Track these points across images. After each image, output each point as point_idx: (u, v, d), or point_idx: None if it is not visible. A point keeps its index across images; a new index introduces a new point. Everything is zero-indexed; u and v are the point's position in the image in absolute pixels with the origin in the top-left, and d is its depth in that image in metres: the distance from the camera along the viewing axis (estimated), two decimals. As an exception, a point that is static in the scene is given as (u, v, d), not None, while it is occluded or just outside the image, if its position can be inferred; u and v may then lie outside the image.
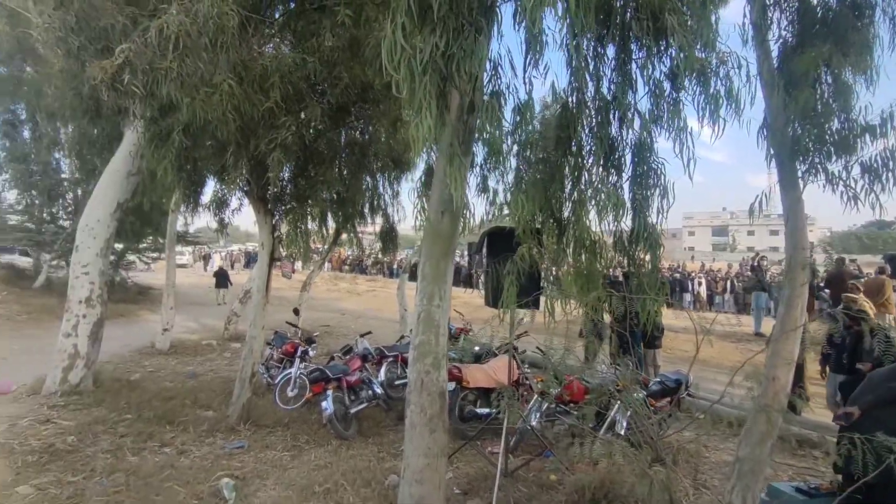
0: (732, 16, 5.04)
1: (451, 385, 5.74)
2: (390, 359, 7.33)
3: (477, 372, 5.95)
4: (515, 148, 4.13)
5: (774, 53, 4.46)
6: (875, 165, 3.86)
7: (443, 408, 3.53)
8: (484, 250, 4.73)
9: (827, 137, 4.02)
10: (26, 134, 17.21)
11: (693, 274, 19.82)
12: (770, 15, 4.54)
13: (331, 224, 8.60)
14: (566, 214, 4.03)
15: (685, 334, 11.18)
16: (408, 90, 2.79)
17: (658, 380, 5.73)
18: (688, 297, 18.09)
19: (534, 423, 5.25)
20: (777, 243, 43.68)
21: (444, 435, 3.60)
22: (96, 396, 6.78)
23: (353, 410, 6.14)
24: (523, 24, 3.16)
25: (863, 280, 10.20)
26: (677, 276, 18.96)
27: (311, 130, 5.18)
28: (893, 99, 3.70)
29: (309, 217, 6.94)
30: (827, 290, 9.78)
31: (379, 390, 6.58)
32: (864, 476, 2.82)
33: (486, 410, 5.75)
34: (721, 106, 3.56)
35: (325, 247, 11.84)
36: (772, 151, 4.11)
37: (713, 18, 4.91)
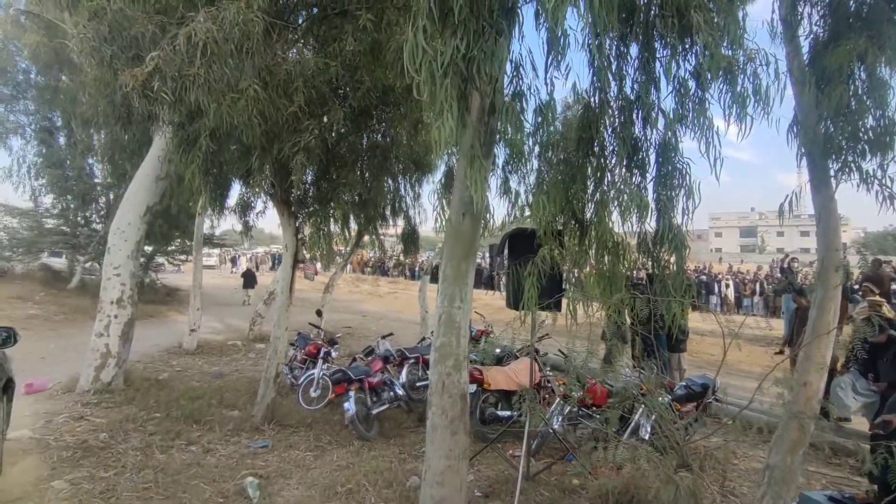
0: (760, 12, 4.88)
1: (473, 387, 5.72)
2: (412, 360, 7.35)
3: (498, 374, 5.93)
4: (537, 149, 4.13)
5: (805, 49, 4.36)
6: (914, 163, 3.74)
7: (464, 410, 3.52)
8: (505, 252, 4.71)
9: (861, 135, 3.90)
10: (62, 140, 17.84)
11: (720, 276, 19.40)
12: (800, 10, 4.43)
13: (353, 226, 8.67)
14: (588, 216, 3.99)
15: (711, 337, 10.94)
16: (429, 93, 2.80)
17: (684, 384, 5.62)
18: (714, 299, 17.69)
19: (556, 427, 5.20)
20: (808, 244, 42.41)
21: (466, 437, 3.59)
22: (127, 395, 6.97)
23: (374, 412, 6.17)
24: (545, 25, 3.15)
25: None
26: (703, 277, 18.58)
27: (334, 134, 5.23)
28: None
29: (331, 219, 7.03)
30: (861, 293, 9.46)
31: (400, 392, 6.61)
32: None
33: (507, 413, 5.72)
34: (748, 104, 3.48)
35: (348, 249, 11.94)
36: (802, 150, 4.01)
37: (740, 15, 4.83)
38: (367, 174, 6.52)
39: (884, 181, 3.83)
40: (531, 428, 4.61)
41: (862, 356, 3.46)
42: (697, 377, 5.75)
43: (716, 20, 3.38)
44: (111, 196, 17.36)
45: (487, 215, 4.44)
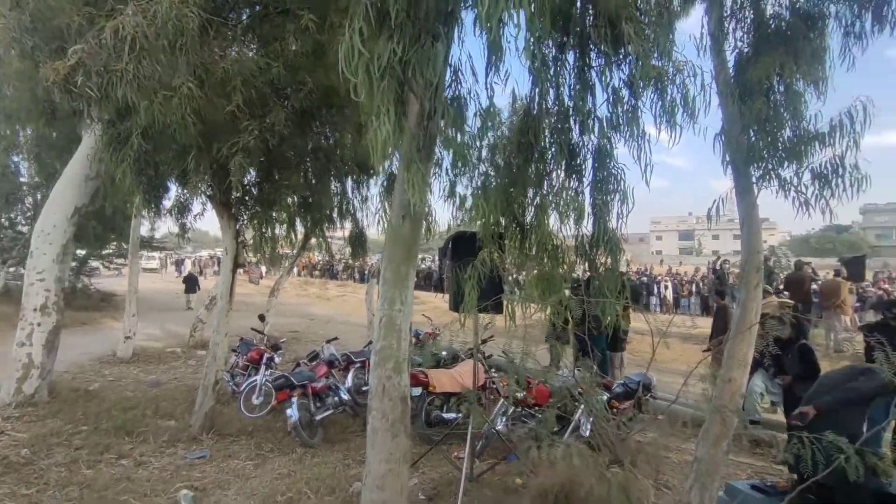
0: (692, 27, 5.12)
1: (418, 390, 5.72)
2: (357, 364, 7.27)
3: (443, 377, 5.95)
4: (481, 153, 4.18)
5: (730, 63, 4.62)
6: (825, 172, 4.00)
7: (405, 413, 3.51)
8: (448, 255, 4.74)
9: (779, 145, 4.16)
10: (-18, 137, 16.58)
11: (660, 277, 20.28)
12: (726, 26, 4.69)
13: (299, 229, 8.50)
14: (529, 219, 4.08)
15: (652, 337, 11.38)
16: (366, 95, 2.78)
17: (622, 382, 5.82)
18: (654, 299, 18.49)
19: (500, 427, 5.26)
20: (740, 247, 44.82)
21: (407, 440, 3.58)
22: (52, 407, 6.55)
23: (318, 417, 6.06)
24: (484, 31, 3.19)
25: (819, 282, 10.62)
26: (644, 279, 19.37)
27: (275, 135, 5.10)
28: (842, 108, 3.83)
29: (276, 222, 6.86)
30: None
31: (346, 396, 6.52)
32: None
33: (452, 415, 5.75)
34: (677, 113, 3.65)
35: (294, 252, 11.70)
36: (727, 158, 4.23)
37: (670, 28, 5.06)
38: (310, 176, 6.40)
39: (799, 188, 4.10)
40: (475, 429, 4.65)
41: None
42: (635, 375, 5.97)
43: (647, 32, 3.54)
44: (38, 196, 16.26)
45: (430, 218, 4.49)
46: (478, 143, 4.02)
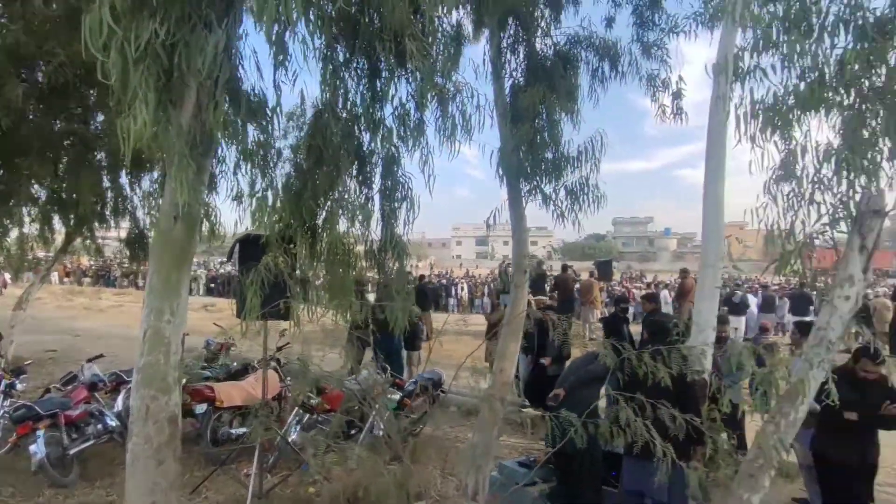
0: (478, 53, 5.61)
1: (203, 407, 5.24)
2: (130, 384, 6.33)
3: (233, 390, 5.54)
4: (282, 153, 4.03)
5: (507, 90, 5.20)
6: (575, 189, 4.74)
7: (173, 435, 3.16)
8: (235, 258, 4.43)
9: (542, 164, 4.80)
10: None
11: (457, 279, 22.07)
12: (505, 57, 5.26)
13: (59, 227, 7.13)
14: (319, 223, 4.04)
15: (447, 335, 12.24)
16: (119, 79, 2.45)
17: (414, 380, 6.11)
18: (452, 300, 20.08)
19: (294, 437, 5.09)
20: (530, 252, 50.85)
21: (176, 465, 3.23)
22: None
23: (73, 451, 5.12)
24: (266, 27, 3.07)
25: (580, 282, 12.63)
26: (444, 281, 20.92)
27: (11, 113, 4.18)
28: (590, 135, 4.56)
29: (26, 218, 5.62)
30: (556, 292, 11.77)
31: (113, 423, 5.63)
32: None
33: (243, 430, 5.39)
34: (457, 129, 3.99)
35: (51, 255, 9.76)
36: (500, 173, 4.74)
37: (459, 51, 5.47)
38: (62, 166, 5.39)
39: (556, 202, 4.79)
40: (267, 441, 4.42)
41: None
42: (427, 372, 6.32)
43: (432, 51, 3.78)
44: None
45: (214, 220, 4.16)
46: (274, 143, 3.89)
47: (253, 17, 2.54)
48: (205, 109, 3.24)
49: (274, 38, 2.99)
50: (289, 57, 3.33)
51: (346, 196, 3.81)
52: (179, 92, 2.96)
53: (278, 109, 3.52)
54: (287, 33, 3.16)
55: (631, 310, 15.49)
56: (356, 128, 3.86)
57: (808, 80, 3.18)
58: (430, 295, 13.81)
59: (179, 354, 3.24)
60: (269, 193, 3.85)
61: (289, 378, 6.10)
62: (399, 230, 3.99)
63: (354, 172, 4.00)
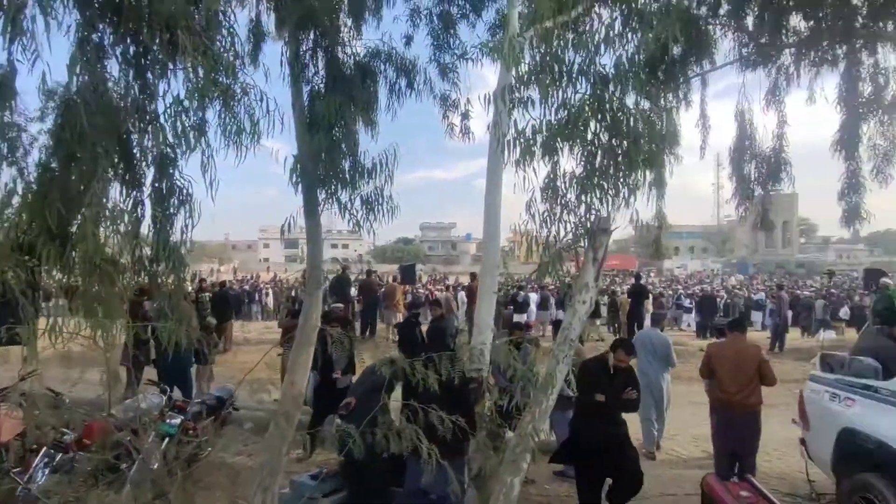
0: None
1: None
2: None
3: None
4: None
5: (307, 96, 5.09)
6: (371, 200, 4.86)
7: None
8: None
9: (339, 173, 4.81)
10: None
11: (264, 285, 20.71)
12: (304, 61, 5.15)
13: None
14: (73, 230, 3.44)
15: (249, 345, 11.47)
16: None
17: (199, 400, 5.59)
18: (255, 307, 18.63)
19: (40, 483, 4.25)
20: (336, 254, 50.37)
21: None
22: None
23: None
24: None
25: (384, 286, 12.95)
26: (246, 287, 19.44)
27: None
28: (387, 146, 4.69)
29: None
30: (361, 296, 11.90)
31: None
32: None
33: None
34: (243, 133, 3.76)
35: None
36: (295, 179, 4.62)
37: (258, 48, 5.19)
38: None
39: (353, 211, 4.85)
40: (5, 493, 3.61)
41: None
42: (216, 390, 5.84)
43: (213, 46, 3.50)
44: None
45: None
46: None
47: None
48: None
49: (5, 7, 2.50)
50: (26, 32, 2.81)
51: (106, 200, 3.30)
52: None
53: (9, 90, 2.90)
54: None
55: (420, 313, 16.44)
56: (122, 122, 3.38)
57: (559, 118, 3.78)
58: (232, 302, 12.84)
59: None
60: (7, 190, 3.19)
61: (35, 412, 5.05)
62: (176, 238, 3.60)
63: (120, 173, 3.50)
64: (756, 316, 18.56)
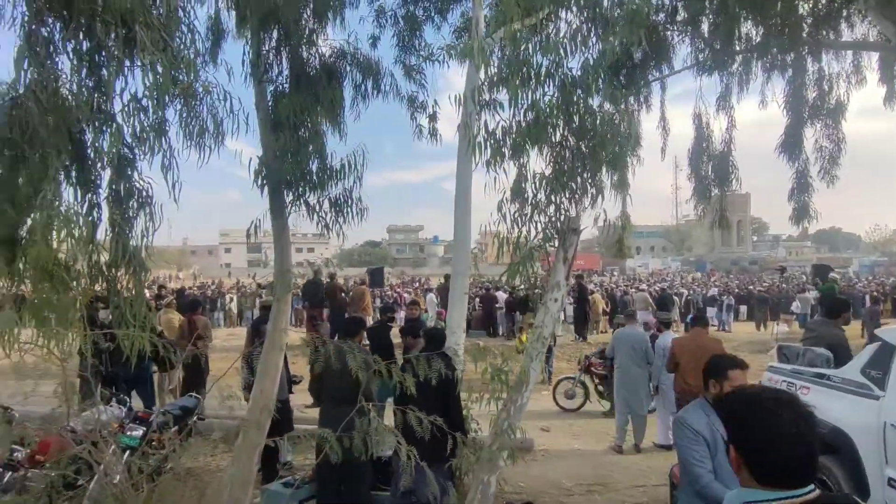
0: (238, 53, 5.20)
1: None
2: None
3: None
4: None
5: (270, 96, 4.98)
6: (339, 202, 4.79)
7: None
8: None
9: (306, 175, 4.71)
10: None
11: (227, 290, 20.21)
12: (268, 61, 5.04)
13: None
14: (23, 234, 3.25)
15: (219, 352, 11.12)
16: None
17: (163, 410, 5.37)
18: (218, 314, 18.16)
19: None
20: (300, 258, 49.54)
21: None
22: None
23: None
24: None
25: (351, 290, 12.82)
26: (209, 293, 18.93)
27: None
28: (355, 147, 4.62)
29: None
30: (328, 301, 11.72)
31: None
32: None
33: None
34: (205, 133, 3.65)
35: None
36: (261, 181, 4.51)
37: (217, 46, 5.05)
38: None
39: (321, 213, 4.77)
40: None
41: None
42: (181, 400, 5.63)
43: (171, 43, 3.38)
44: None
45: None
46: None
47: None
48: None
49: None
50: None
51: (59, 202, 3.13)
52: None
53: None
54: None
55: (402, 314, 16.38)
56: (75, 121, 3.22)
57: (528, 119, 3.81)
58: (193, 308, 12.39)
59: None
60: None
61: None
62: (136, 242, 3.45)
63: (73, 174, 3.34)
64: (710, 311, 19.20)
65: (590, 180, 4.03)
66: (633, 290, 20.91)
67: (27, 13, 3.08)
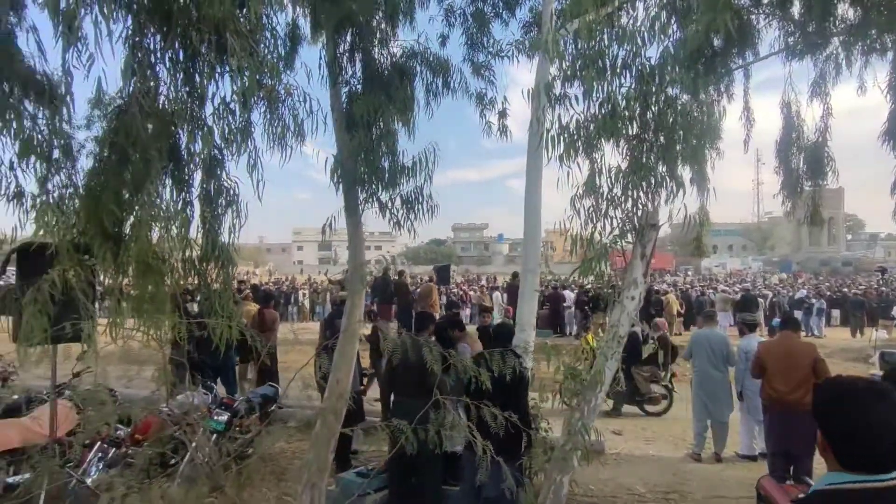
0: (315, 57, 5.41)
1: (-37, 454, 4.26)
2: None
3: (10, 429, 4.60)
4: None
5: (345, 97, 5.14)
6: (410, 199, 4.86)
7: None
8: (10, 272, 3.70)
9: (378, 173, 4.83)
10: None
11: (300, 286, 21.27)
12: (342, 63, 5.21)
13: None
14: (125, 230, 3.55)
15: (291, 345, 11.66)
16: None
17: (245, 398, 5.70)
18: (292, 308, 19.20)
19: (93, 478, 4.40)
20: (370, 256, 50.94)
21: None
22: None
23: None
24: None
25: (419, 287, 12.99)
26: (284, 289, 20.03)
27: None
28: (425, 145, 4.69)
29: None
30: (396, 297, 11.97)
31: None
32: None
33: (22, 477, 4.48)
34: (287, 133, 3.83)
35: None
36: (336, 179, 4.67)
37: (294, 50, 5.27)
38: None
39: (393, 210, 4.87)
40: (50, 488, 3.75)
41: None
42: (261, 388, 5.94)
43: (259, 49, 3.57)
44: None
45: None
46: (69, 134, 3.34)
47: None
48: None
49: (62, 15, 2.59)
50: (82, 38, 2.91)
51: (159, 201, 3.40)
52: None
53: (69, 98, 3.02)
54: (82, 11, 2.76)
55: (468, 311, 16.45)
56: (172, 125, 3.48)
57: (603, 112, 3.70)
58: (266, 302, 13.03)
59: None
60: (62, 193, 3.32)
61: (89, 409, 5.24)
62: (224, 238, 3.69)
63: (170, 174, 3.61)
64: (797, 315, 17.83)
65: (668, 174, 3.86)
66: (711, 290, 19.84)
67: (132, 28, 3.34)
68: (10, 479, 4.50)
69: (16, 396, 5.48)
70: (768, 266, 52.92)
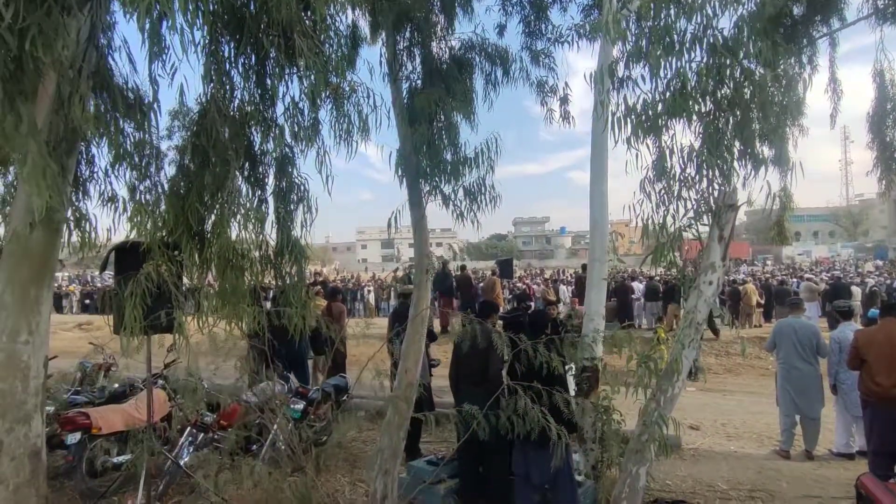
0: (375, 54, 5.59)
1: (77, 436, 4.70)
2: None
3: (113, 414, 5.02)
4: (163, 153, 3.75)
5: (405, 92, 5.22)
6: (473, 190, 4.86)
7: (36, 471, 2.80)
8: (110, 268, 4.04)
9: (441, 165, 4.86)
10: None
11: (365, 283, 21.97)
12: (402, 59, 5.28)
13: None
14: (208, 227, 3.79)
15: (359, 339, 12.00)
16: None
17: (317, 388, 5.93)
18: (359, 304, 19.91)
19: (185, 459, 4.73)
20: (433, 252, 51.59)
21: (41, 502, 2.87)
22: None
23: None
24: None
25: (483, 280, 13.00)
26: (350, 286, 20.77)
27: None
28: (486, 136, 4.68)
29: None
30: (459, 292, 12.05)
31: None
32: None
33: (126, 457, 4.90)
34: (353, 129, 3.94)
35: None
36: (400, 174, 4.74)
37: (355, 50, 5.40)
38: None
39: (455, 202, 4.88)
40: (150, 466, 4.06)
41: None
42: (333, 379, 6.16)
43: (324, 49, 3.69)
44: None
45: (87, 226, 3.75)
46: (155, 142, 3.61)
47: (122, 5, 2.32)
48: (67, 103, 2.92)
49: (148, 28, 2.78)
50: (166, 49, 3.11)
51: (237, 198, 3.60)
52: (33, 83, 2.64)
53: (156, 105, 3.25)
54: (163, 24, 2.95)
55: (532, 305, 16.30)
56: (246, 127, 3.67)
57: (672, 90, 3.53)
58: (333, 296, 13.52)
59: (42, 379, 2.88)
60: (149, 196, 3.59)
61: (179, 396, 5.66)
62: (296, 233, 3.85)
63: (246, 174, 3.81)
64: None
65: (748, 152, 3.63)
66: (795, 280, 18.53)
67: (208, 37, 3.55)
68: (115, 459, 4.94)
69: (116, 385, 6.00)
70: (860, 253, 48.59)
